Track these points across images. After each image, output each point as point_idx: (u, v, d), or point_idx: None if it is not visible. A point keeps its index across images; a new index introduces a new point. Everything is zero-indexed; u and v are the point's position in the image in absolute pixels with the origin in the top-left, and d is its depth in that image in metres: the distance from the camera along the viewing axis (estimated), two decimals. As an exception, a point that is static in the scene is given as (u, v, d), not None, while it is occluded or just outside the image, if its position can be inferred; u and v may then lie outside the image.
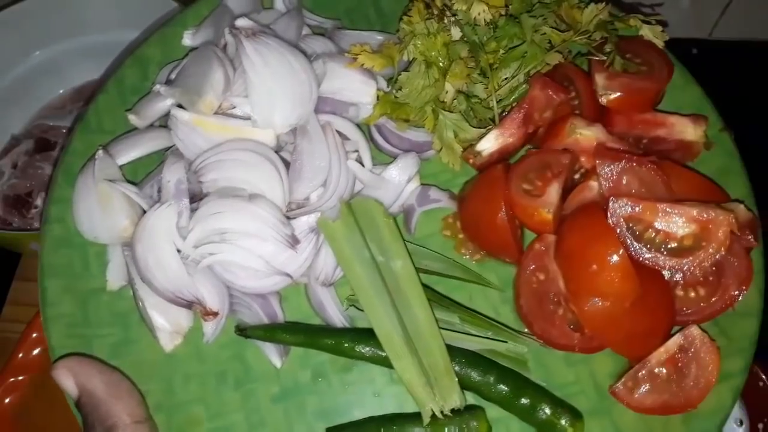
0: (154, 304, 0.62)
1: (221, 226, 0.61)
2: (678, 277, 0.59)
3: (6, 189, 0.96)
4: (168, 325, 0.62)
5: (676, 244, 0.56)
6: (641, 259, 0.56)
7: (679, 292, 0.60)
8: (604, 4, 0.69)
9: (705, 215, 0.55)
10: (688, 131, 0.67)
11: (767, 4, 1.19)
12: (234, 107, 0.67)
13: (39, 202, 0.96)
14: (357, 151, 0.70)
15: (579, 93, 0.71)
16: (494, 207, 0.65)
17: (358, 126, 0.72)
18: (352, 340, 0.61)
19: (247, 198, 0.62)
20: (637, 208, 0.57)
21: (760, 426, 0.75)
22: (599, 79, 0.69)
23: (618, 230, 0.57)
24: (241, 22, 0.70)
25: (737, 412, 0.75)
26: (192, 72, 0.69)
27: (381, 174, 0.69)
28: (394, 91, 0.71)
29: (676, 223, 0.56)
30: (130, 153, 0.70)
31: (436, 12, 0.71)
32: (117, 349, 0.64)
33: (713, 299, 0.58)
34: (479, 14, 0.69)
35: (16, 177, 0.97)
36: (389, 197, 0.69)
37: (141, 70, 0.77)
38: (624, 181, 0.59)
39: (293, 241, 0.62)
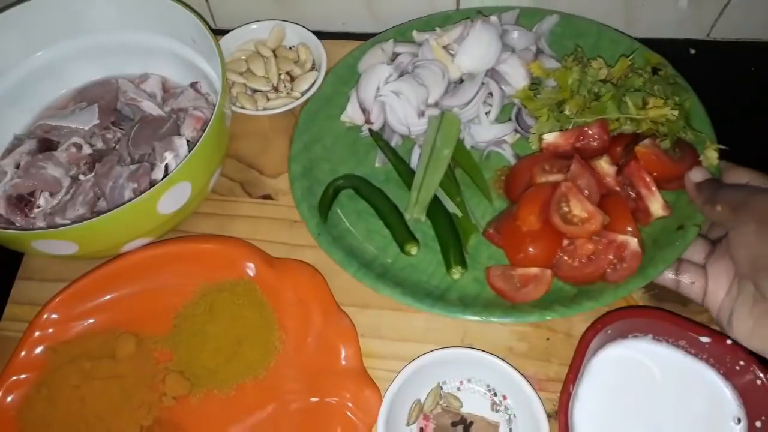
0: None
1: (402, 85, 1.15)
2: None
3: (9, 189, 0.92)
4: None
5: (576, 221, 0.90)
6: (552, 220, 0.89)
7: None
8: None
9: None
10: (657, 208, 0.90)
11: (766, 4, 1.14)
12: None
13: (42, 201, 0.92)
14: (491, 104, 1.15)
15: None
16: (527, 171, 1.00)
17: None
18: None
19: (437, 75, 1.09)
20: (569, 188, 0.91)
21: (758, 424, 0.73)
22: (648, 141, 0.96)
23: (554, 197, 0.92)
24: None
25: (735, 410, 0.73)
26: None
27: (492, 122, 1.15)
28: (535, 89, 1.11)
29: (578, 209, 0.90)
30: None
31: (587, 60, 1.09)
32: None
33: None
34: (601, 72, 1.06)
35: (19, 177, 0.93)
36: (484, 135, 1.14)
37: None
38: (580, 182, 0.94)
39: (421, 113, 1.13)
